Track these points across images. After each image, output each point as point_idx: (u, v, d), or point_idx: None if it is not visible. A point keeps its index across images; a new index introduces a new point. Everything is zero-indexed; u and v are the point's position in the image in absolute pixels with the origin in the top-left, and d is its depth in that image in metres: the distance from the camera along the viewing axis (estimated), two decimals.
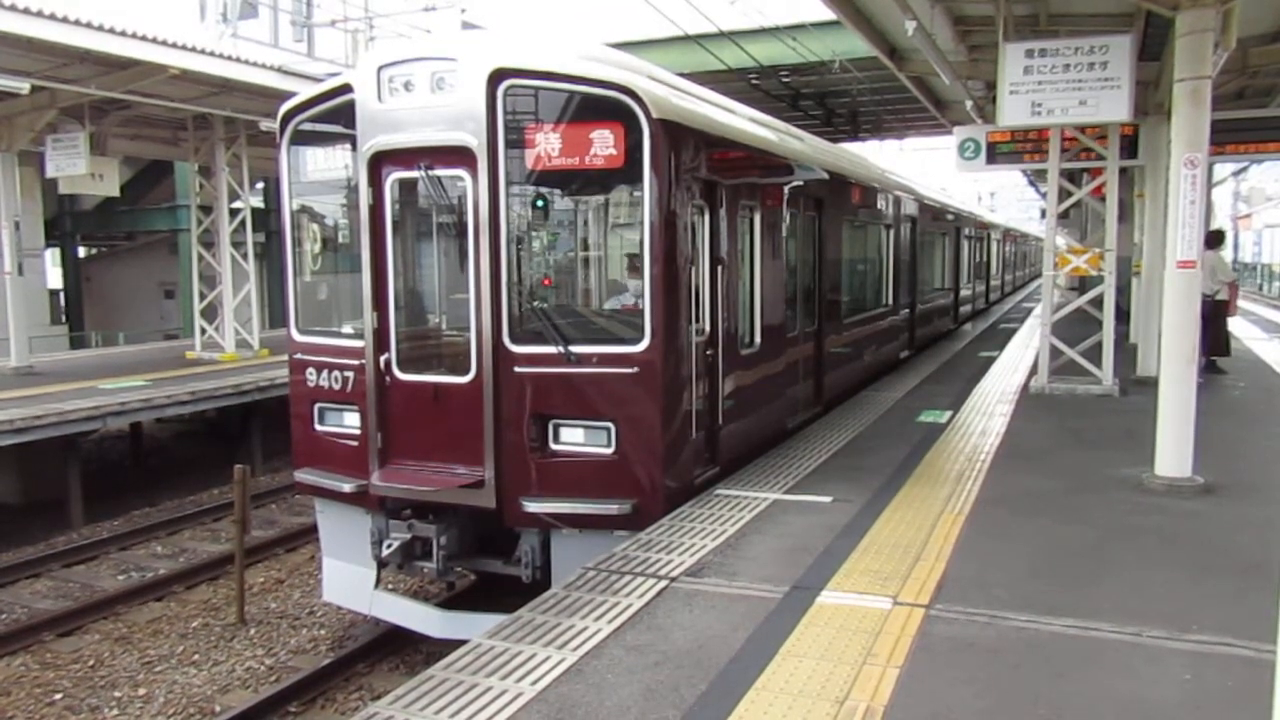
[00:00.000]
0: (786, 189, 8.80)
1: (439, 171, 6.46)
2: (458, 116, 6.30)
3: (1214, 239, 12.41)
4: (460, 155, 6.32)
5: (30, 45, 11.02)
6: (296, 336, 7.41)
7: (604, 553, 5.60)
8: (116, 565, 10.07)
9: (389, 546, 6.71)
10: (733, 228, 7.41)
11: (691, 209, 6.63)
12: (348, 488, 6.90)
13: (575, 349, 6.26)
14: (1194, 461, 6.97)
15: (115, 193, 16.94)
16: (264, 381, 13.69)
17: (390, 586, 8.03)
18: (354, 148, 6.70)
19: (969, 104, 12.71)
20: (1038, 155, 11.84)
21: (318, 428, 7.25)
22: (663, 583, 5.08)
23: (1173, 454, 6.97)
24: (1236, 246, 45.93)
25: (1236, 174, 35.90)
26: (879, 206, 13.08)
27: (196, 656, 7.68)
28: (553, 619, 4.66)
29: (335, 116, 6.89)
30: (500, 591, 6.95)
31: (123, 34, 11.51)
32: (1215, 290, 11.94)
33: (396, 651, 7.54)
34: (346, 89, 6.74)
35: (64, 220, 25.84)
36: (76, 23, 10.91)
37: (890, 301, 13.88)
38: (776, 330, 8.54)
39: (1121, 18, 9.45)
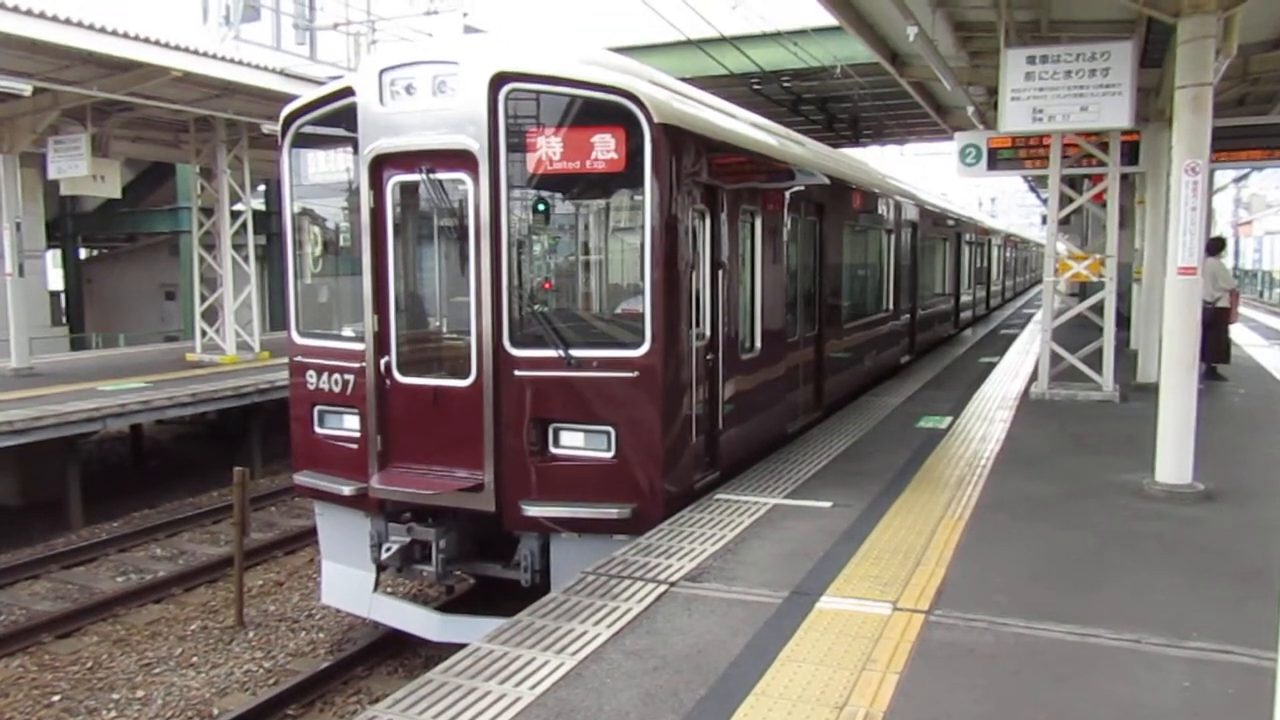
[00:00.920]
0: (787, 194, 8.80)
1: (440, 175, 6.47)
2: (459, 120, 6.30)
3: (1215, 246, 12.41)
4: (461, 159, 6.33)
5: (33, 47, 11.03)
6: (297, 339, 7.41)
7: (603, 557, 5.59)
8: (115, 567, 10.06)
9: (388, 550, 6.70)
10: (733, 232, 7.41)
11: (692, 213, 6.63)
12: (347, 491, 6.89)
13: (575, 353, 6.26)
14: (1194, 468, 6.96)
15: (117, 194, 16.94)
16: (264, 384, 13.69)
17: (389, 590, 8.02)
18: (355, 151, 6.71)
19: (970, 109, 12.73)
20: (1039, 161, 11.86)
21: (317, 430, 7.24)
22: (662, 587, 5.08)
23: (1173, 460, 6.97)
24: (1237, 253, 45.97)
25: (1237, 181, 35.88)
26: (880, 212, 13.09)
27: (195, 659, 7.67)
28: (552, 623, 4.66)
29: (337, 119, 6.90)
30: (499, 595, 6.95)
31: (125, 36, 11.52)
32: (1216, 297, 11.95)
33: (395, 655, 7.53)
34: (348, 92, 6.75)
35: (65, 222, 25.86)
36: (79, 25, 10.92)
37: (890, 307, 13.88)
38: (777, 335, 8.54)
39: (1123, 24, 9.46)
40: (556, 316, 6.55)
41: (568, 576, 5.45)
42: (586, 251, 6.92)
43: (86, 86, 12.69)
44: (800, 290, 9.41)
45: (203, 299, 17.11)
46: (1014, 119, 9.02)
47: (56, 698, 7.07)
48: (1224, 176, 30.30)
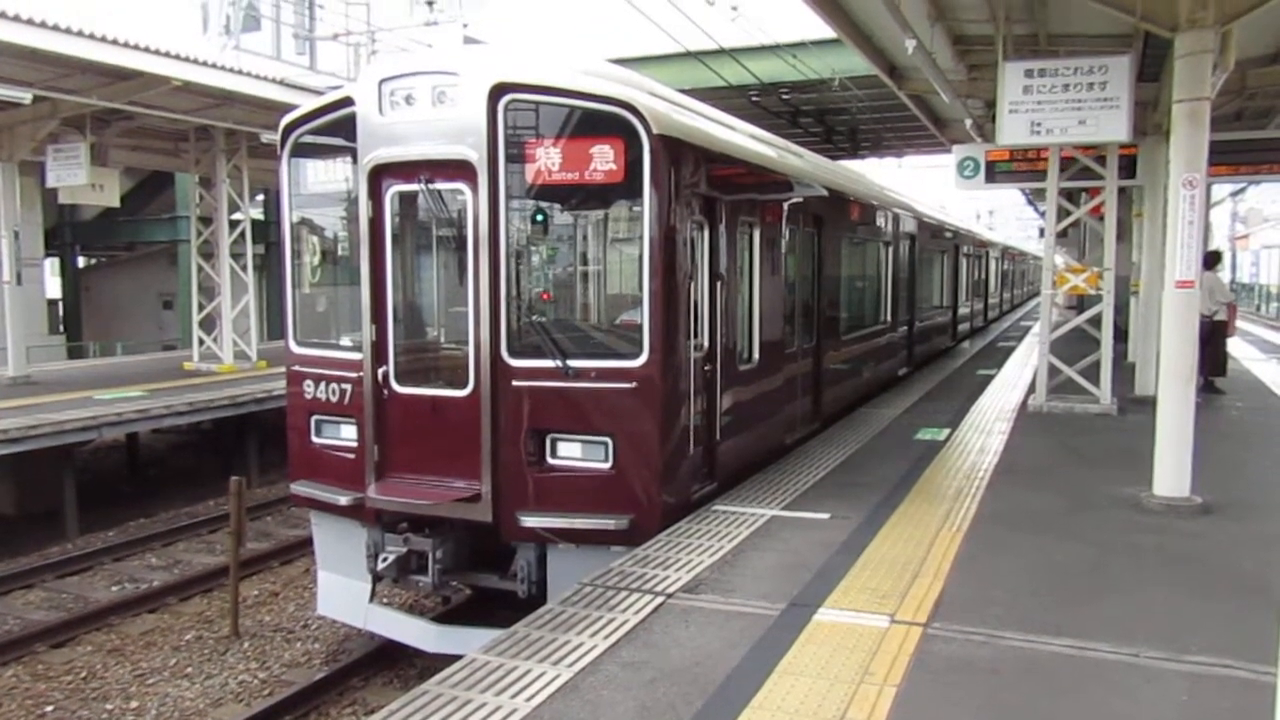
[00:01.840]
0: (786, 205, 8.82)
1: (439, 185, 6.47)
2: (458, 130, 6.31)
3: (1212, 259, 12.44)
4: (460, 169, 6.33)
5: (33, 55, 11.05)
6: (294, 348, 7.39)
7: (600, 568, 5.57)
8: (110, 576, 10.01)
9: (384, 560, 6.67)
10: (732, 243, 7.42)
11: (691, 224, 6.64)
12: (344, 500, 6.87)
13: (573, 363, 6.26)
14: (1192, 481, 6.96)
15: (115, 203, 16.93)
16: (261, 393, 13.67)
17: (385, 600, 8.00)
18: (354, 160, 6.71)
19: (968, 122, 12.77)
20: (1037, 174, 11.89)
21: (314, 440, 7.22)
22: (659, 599, 5.06)
23: (1171, 473, 6.97)
24: (1234, 267, 46.05)
25: (1234, 195, 36.02)
26: (878, 223, 13.12)
27: (190, 669, 7.63)
28: (548, 634, 4.64)
29: (336, 129, 6.91)
30: (496, 606, 6.92)
31: (125, 45, 11.56)
32: (1214, 311, 11.97)
33: (391, 666, 7.49)
34: (347, 102, 6.76)
35: (63, 230, 25.86)
36: (79, 34, 10.95)
37: (889, 318, 13.90)
38: (775, 346, 8.54)
39: (1121, 38, 9.50)
40: (554, 327, 6.55)
41: (565, 588, 5.43)
42: (585, 262, 6.92)
43: (86, 95, 12.70)
44: (798, 302, 9.42)
45: (200, 308, 17.10)
46: (1012, 132, 9.05)
47: (50, 708, 7.03)
48: (1221, 190, 30.45)
